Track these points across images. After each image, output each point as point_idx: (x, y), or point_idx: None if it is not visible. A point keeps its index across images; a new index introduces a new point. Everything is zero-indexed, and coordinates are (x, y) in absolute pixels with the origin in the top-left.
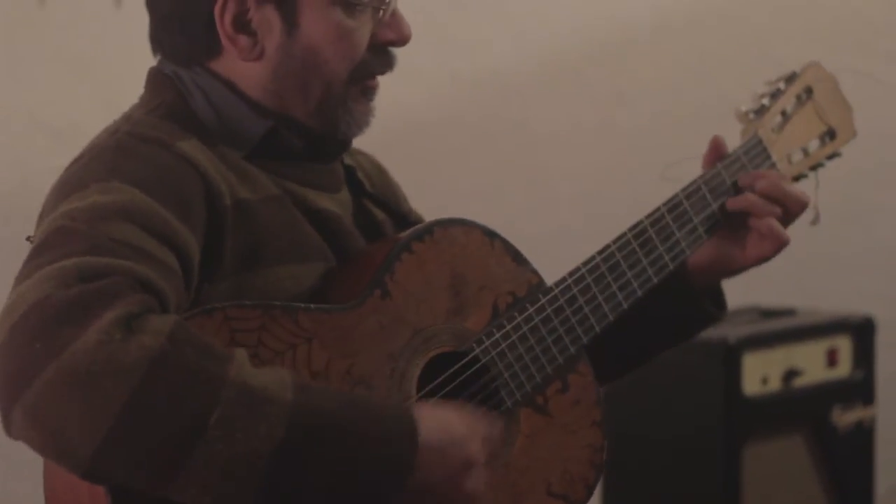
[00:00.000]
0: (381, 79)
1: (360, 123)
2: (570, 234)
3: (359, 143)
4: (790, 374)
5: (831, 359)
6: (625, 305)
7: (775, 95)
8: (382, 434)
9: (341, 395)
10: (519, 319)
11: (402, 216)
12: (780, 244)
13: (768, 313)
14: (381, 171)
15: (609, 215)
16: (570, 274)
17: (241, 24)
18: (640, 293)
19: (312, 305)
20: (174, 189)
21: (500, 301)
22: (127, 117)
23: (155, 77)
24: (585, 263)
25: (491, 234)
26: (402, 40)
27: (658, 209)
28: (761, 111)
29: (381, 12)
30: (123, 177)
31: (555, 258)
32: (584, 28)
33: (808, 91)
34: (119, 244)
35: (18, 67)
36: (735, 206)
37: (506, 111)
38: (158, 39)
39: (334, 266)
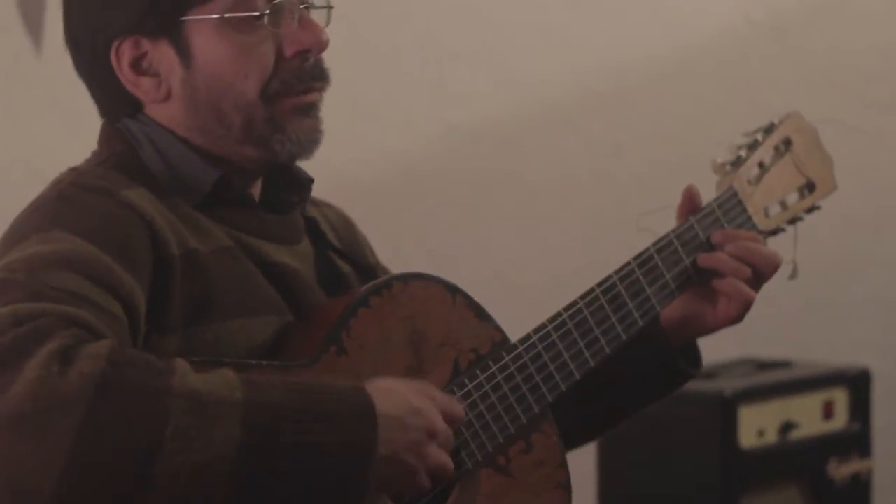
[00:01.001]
0: (375, 129)
1: (303, 142)
2: (565, 285)
3: (353, 189)
4: (786, 427)
5: (827, 411)
6: (592, 363)
7: (752, 147)
8: (340, 413)
9: (292, 383)
10: (481, 378)
11: (369, 269)
12: (745, 305)
13: (764, 365)
14: (347, 224)
15: (604, 265)
16: (536, 331)
17: (141, 68)
18: (608, 351)
19: (264, 362)
20: (118, 236)
21: (462, 358)
22: (73, 169)
23: (106, 130)
24: (552, 320)
25: (453, 290)
26: (313, 47)
27: (628, 263)
28: (737, 163)
29: (278, 24)
30: (65, 225)
31: (549, 308)
32: (579, 78)
33: (787, 142)
34: (58, 291)
35: (17, 118)
36: (705, 264)
37: (501, 161)
38: (95, 99)
39: (291, 321)
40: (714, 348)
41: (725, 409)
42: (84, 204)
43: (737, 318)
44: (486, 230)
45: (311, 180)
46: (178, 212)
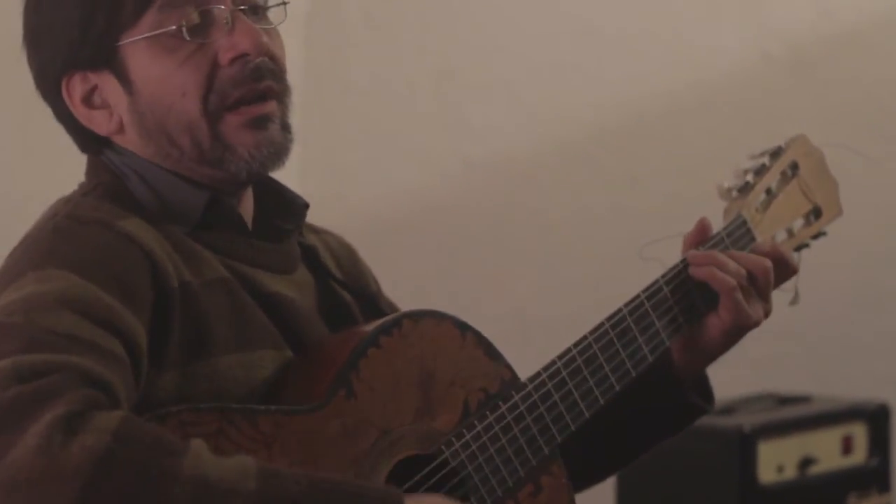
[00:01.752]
0: (392, 164)
1: (259, 158)
2: (583, 319)
3: (371, 225)
4: (806, 462)
5: (846, 446)
6: (601, 401)
7: (760, 172)
8: None
9: (318, 479)
10: (490, 419)
11: (371, 298)
12: (738, 316)
13: (784, 400)
14: (349, 252)
15: (622, 299)
16: (545, 368)
17: (92, 102)
18: (617, 388)
19: (273, 407)
20: (117, 270)
21: (472, 398)
22: (66, 200)
23: (92, 162)
24: (560, 357)
25: (463, 327)
26: (249, 51)
27: (637, 296)
28: (745, 189)
29: (205, 34)
30: (60, 262)
31: (567, 342)
32: (596, 113)
33: (794, 167)
34: (58, 336)
35: (31, 153)
36: (695, 274)
37: (518, 196)
38: (70, 136)
39: (294, 357)
40: (733, 383)
41: (745, 445)
42: (81, 237)
43: (729, 331)
44: (503, 265)
45: (306, 206)
46: (172, 240)
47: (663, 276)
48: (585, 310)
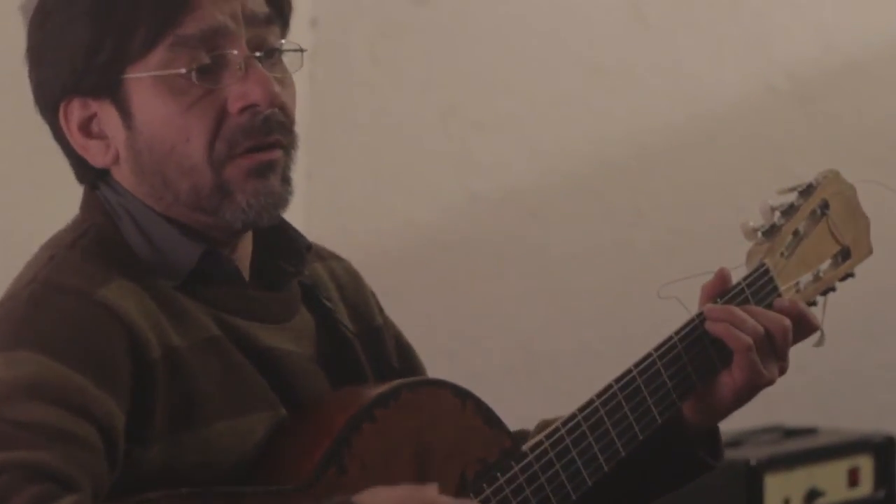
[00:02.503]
0: (398, 199)
1: (256, 208)
2: (590, 354)
3: (377, 259)
4: (812, 495)
5: (853, 478)
6: (605, 468)
7: (788, 213)
8: None
9: None
10: (487, 492)
11: (375, 332)
12: (752, 372)
13: (790, 432)
14: (355, 279)
15: (627, 334)
16: (548, 436)
17: (90, 130)
18: (623, 454)
19: (260, 489)
20: (92, 349)
21: (469, 470)
22: (50, 257)
23: (87, 198)
24: (565, 423)
25: (462, 395)
26: (260, 101)
27: (649, 355)
28: (772, 232)
29: (216, 80)
30: (32, 342)
31: (574, 377)
32: (601, 147)
33: (825, 206)
34: (22, 428)
35: (38, 190)
36: (713, 330)
37: (524, 230)
38: (69, 163)
39: (288, 419)
40: (740, 415)
41: (751, 478)
42: (55, 310)
43: (745, 387)
44: (509, 299)
45: (309, 247)
46: (158, 299)
47: (677, 333)
48: (591, 344)
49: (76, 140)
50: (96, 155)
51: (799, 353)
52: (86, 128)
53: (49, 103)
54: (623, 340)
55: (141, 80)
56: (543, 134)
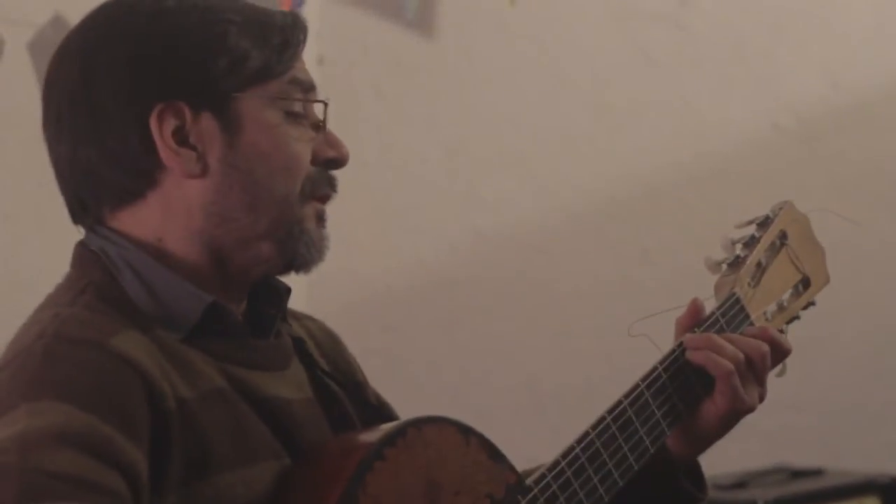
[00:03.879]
0: (404, 237)
1: (319, 249)
2: (595, 390)
3: (382, 297)
4: None
5: None
6: (605, 499)
7: (750, 244)
8: None
9: None
10: None
11: (358, 388)
12: (734, 401)
13: (796, 473)
14: (332, 339)
15: (634, 372)
16: (549, 469)
17: (181, 138)
18: (620, 483)
19: None
20: (115, 399)
21: None
22: (55, 314)
23: (81, 253)
24: (564, 455)
25: (466, 431)
26: (342, 159)
27: (637, 385)
28: (736, 264)
29: (314, 123)
30: (56, 393)
31: (580, 414)
32: (606, 185)
33: (783, 236)
34: (56, 479)
35: (45, 228)
36: (694, 359)
37: (529, 267)
38: (78, 195)
39: (295, 466)
40: (747, 455)
41: None
42: (73, 362)
43: (728, 414)
44: (515, 337)
45: (288, 290)
46: (165, 350)
47: (661, 363)
48: (597, 381)
49: (166, 144)
50: (185, 163)
51: (803, 392)
52: (178, 135)
53: (138, 108)
54: (629, 378)
55: (255, 101)
56: (549, 171)
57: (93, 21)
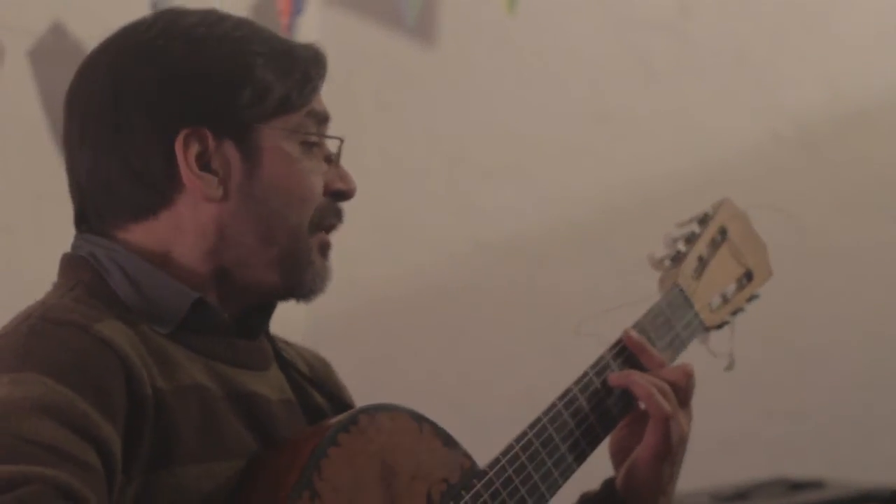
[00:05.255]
0: (404, 247)
1: (323, 279)
2: None
3: (382, 306)
4: None
5: None
6: (560, 483)
7: (690, 240)
8: None
9: None
10: None
11: (346, 406)
12: (664, 423)
13: (796, 485)
14: (325, 366)
15: None
16: (503, 454)
17: (208, 164)
18: (576, 467)
19: None
20: (94, 377)
21: (434, 490)
22: (41, 303)
23: (68, 261)
24: (518, 440)
25: (419, 419)
26: (351, 192)
27: (570, 389)
28: (678, 258)
29: (326, 155)
30: (37, 365)
31: None
32: (608, 195)
33: (723, 232)
34: (35, 445)
35: (44, 236)
36: (615, 382)
37: (529, 277)
38: (92, 203)
39: (257, 457)
40: (746, 467)
41: None
42: (57, 340)
43: (658, 441)
44: (515, 346)
45: (274, 304)
46: (148, 343)
47: (593, 366)
48: None
49: (189, 168)
50: (206, 187)
51: (802, 403)
52: (203, 160)
53: (166, 130)
54: None
55: (275, 132)
56: (549, 181)
57: (125, 39)
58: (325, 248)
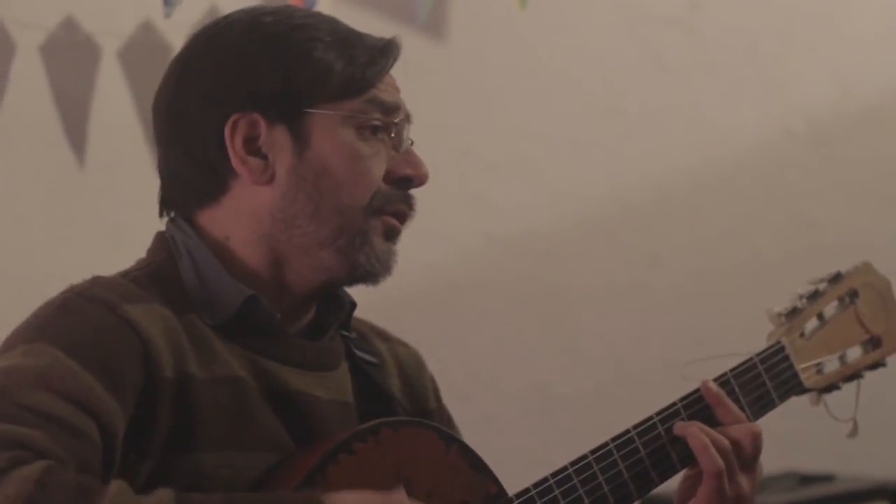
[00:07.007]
0: (415, 242)
1: (383, 262)
2: (606, 396)
3: (394, 301)
4: None
5: None
6: None
7: (813, 297)
8: None
9: (235, 496)
10: None
11: (426, 413)
12: (716, 478)
13: (806, 479)
14: (418, 365)
15: (643, 376)
16: (536, 485)
17: (253, 147)
18: None
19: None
20: (106, 353)
21: None
22: (95, 277)
23: (156, 239)
24: (555, 474)
25: (448, 439)
26: (419, 177)
27: (627, 431)
28: (793, 314)
29: (393, 142)
30: (52, 338)
31: (590, 420)
32: (618, 190)
33: (853, 294)
34: (23, 411)
35: (56, 230)
36: (678, 432)
37: (540, 272)
38: (167, 192)
39: (286, 455)
40: None
41: None
42: (80, 315)
43: (710, 497)
44: (526, 341)
45: (353, 305)
46: (191, 331)
47: (658, 413)
48: (607, 386)
49: (237, 152)
50: (253, 171)
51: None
52: (251, 144)
53: (218, 115)
54: (639, 383)
55: (329, 117)
56: (560, 176)
57: (197, 36)
58: (390, 232)
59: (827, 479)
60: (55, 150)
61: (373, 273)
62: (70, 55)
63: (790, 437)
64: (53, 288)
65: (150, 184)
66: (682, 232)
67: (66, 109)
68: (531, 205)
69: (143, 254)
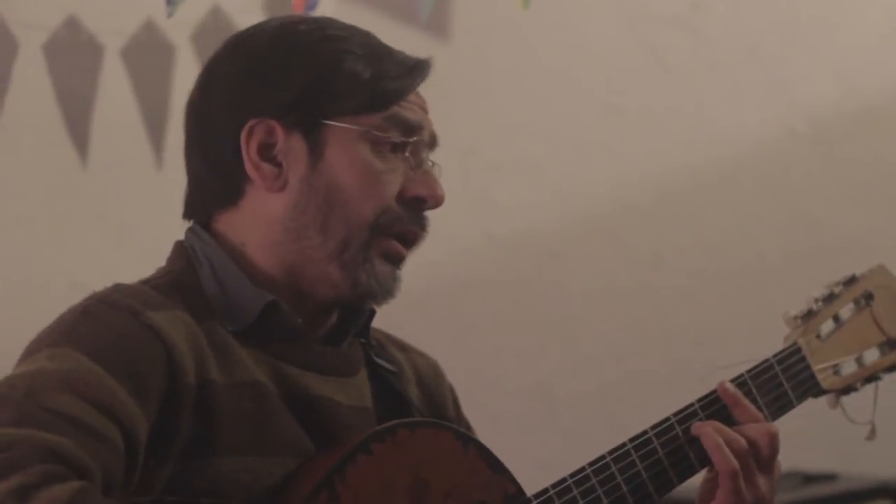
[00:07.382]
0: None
1: (383, 283)
2: (608, 396)
3: (395, 300)
4: None
5: None
6: None
7: (829, 299)
8: None
9: None
10: None
11: (442, 419)
12: (731, 478)
13: (809, 478)
14: (437, 375)
15: (645, 376)
16: (554, 485)
17: (268, 154)
18: None
19: None
20: (130, 359)
21: None
22: (117, 284)
23: (175, 248)
24: (573, 474)
25: (465, 439)
26: (433, 198)
27: (645, 432)
28: (809, 316)
29: (409, 160)
30: (77, 343)
31: (592, 420)
32: (620, 189)
33: (868, 296)
34: (50, 414)
35: (59, 230)
36: (695, 432)
37: (542, 272)
38: (191, 195)
39: (311, 455)
40: None
41: None
42: (104, 321)
43: (726, 498)
44: (527, 340)
45: (373, 312)
46: (212, 338)
47: (676, 414)
48: (610, 386)
49: (251, 158)
50: (266, 177)
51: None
52: (266, 151)
53: (236, 120)
54: (641, 383)
55: (346, 130)
56: (562, 175)
57: (229, 40)
58: (391, 255)
59: (830, 478)
60: (58, 149)
61: (372, 293)
62: (73, 54)
63: (793, 437)
64: (57, 288)
65: (152, 183)
66: (684, 231)
67: (68, 109)
68: (533, 204)
69: (145, 252)
